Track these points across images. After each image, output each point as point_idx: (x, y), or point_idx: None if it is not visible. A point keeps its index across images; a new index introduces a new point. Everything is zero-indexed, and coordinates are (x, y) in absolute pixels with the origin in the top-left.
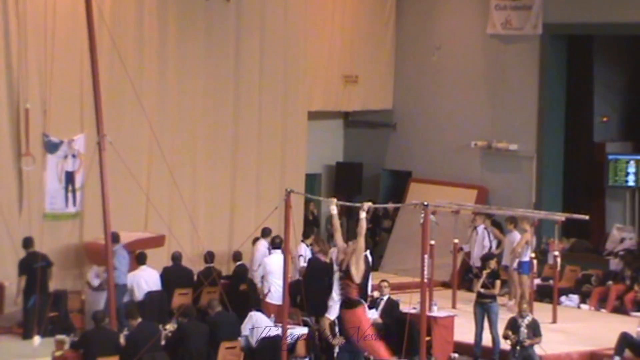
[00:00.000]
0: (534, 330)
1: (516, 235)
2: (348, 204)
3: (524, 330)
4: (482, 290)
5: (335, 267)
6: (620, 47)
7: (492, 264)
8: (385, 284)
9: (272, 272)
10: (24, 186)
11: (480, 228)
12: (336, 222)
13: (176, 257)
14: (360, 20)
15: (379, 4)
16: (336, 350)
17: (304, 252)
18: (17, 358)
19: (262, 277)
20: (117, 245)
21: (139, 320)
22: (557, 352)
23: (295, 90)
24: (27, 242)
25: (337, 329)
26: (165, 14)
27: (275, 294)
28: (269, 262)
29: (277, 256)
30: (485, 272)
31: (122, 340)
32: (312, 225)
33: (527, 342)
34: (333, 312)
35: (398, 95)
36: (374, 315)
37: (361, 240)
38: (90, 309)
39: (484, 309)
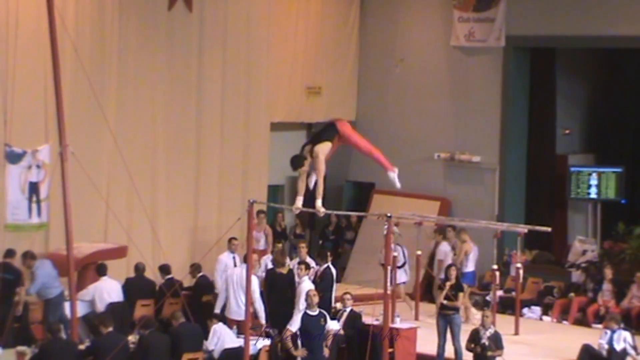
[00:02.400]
0: (496, 342)
1: (445, 247)
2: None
3: (485, 342)
4: (445, 302)
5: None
6: (582, 60)
7: (454, 276)
8: (348, 296)
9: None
10: None
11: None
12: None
13: (139, 268)
14: (323, 32)
15: (343, 16)
16: None
17: (268, 262)
18: None
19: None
20: (37, 260)
21: (110, 329)
22: None
23: (257, 101)
24: (7, 253)
25: (299, 341)
26: (127, 24)
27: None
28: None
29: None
30: (448, 284)
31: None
32: (280, 237)
33: (489, 353)
34: (295, 324)
35: (361, 106)
36: (336, 326)
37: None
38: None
39: (446, 321)
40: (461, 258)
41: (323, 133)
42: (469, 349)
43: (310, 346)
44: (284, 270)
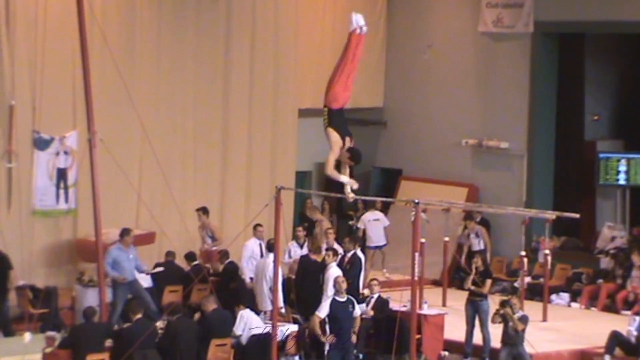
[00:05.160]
0: (523, 322)
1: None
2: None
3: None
4: (472, 288)
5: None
6: (611, 46)
7: (479, 262)
8: (375, 282)
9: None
10: (13, 183)
11: None
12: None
13: (170, 254)
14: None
15: (370, 2)
16: (326, 347)
17: (292, 248)
18: (7, 355)
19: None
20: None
21: (139, 316)
22: (547, 351)
23: (285, 87)
24: None
25: (327, 327)
26: (155, 10)
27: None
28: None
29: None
30: (474, 270)
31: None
32: (311, 222)
33: (517, 324)
34: (323, 310)
35: (389, 93)
36: (364, 309)
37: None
38: (81, 306)
39: (474, 307)
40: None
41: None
42: (494, 322)
43: (338, 332)
44: (319, 258)
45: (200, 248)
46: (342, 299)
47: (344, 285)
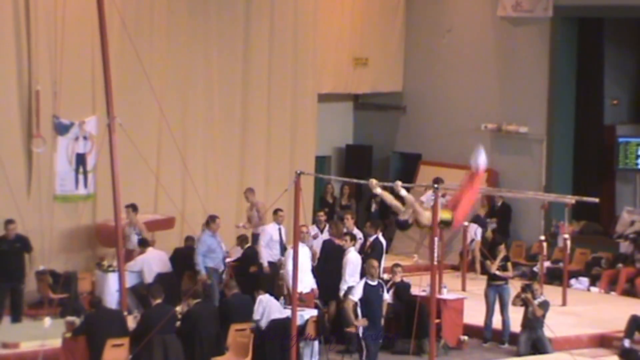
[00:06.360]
0: (544, 307)
1: None
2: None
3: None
4: (497, 272)
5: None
6: (631, 30)
7: (502, 248)
8: (399, 269)
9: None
10: (33, 168)
11: None
12: (387, 197)
13: (189, 239)
14: (370, 2)
15: None
16: (360, 331)
17: (313, 232)
18: (28, 339)
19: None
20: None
21: (159, 301)
22: (567, 335)
23: (305, 72)
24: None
25: (359, 311)
26: None
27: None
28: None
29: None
30: (499, 256)
31: (130, 321)
32: (331, 207)
33: (537, 310)
34: (357, 294)
35: (408, 77)
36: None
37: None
38: (101, 291)
39: (497, 291)
40: (255, 216)
41: None
42: (515, 304)
43: (370, 316)
44: (342, 242)
45: (126, 246)
46: (374, 282)
47: (375, 271)
